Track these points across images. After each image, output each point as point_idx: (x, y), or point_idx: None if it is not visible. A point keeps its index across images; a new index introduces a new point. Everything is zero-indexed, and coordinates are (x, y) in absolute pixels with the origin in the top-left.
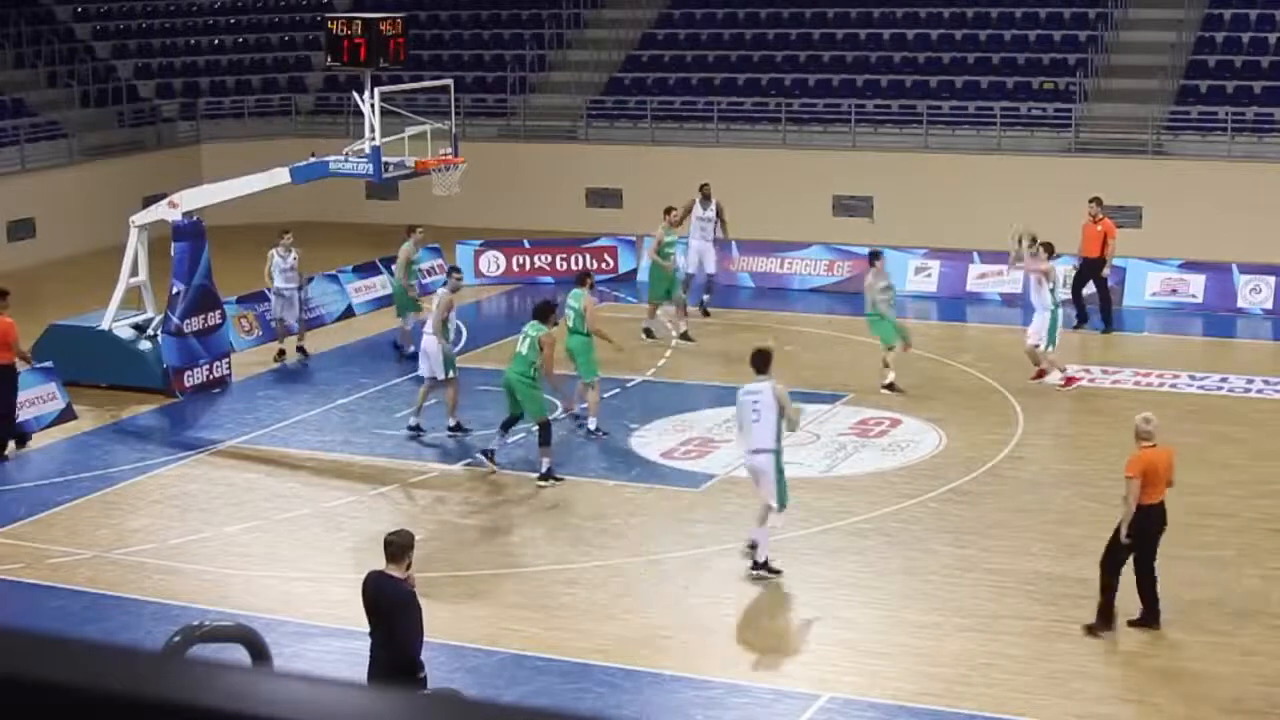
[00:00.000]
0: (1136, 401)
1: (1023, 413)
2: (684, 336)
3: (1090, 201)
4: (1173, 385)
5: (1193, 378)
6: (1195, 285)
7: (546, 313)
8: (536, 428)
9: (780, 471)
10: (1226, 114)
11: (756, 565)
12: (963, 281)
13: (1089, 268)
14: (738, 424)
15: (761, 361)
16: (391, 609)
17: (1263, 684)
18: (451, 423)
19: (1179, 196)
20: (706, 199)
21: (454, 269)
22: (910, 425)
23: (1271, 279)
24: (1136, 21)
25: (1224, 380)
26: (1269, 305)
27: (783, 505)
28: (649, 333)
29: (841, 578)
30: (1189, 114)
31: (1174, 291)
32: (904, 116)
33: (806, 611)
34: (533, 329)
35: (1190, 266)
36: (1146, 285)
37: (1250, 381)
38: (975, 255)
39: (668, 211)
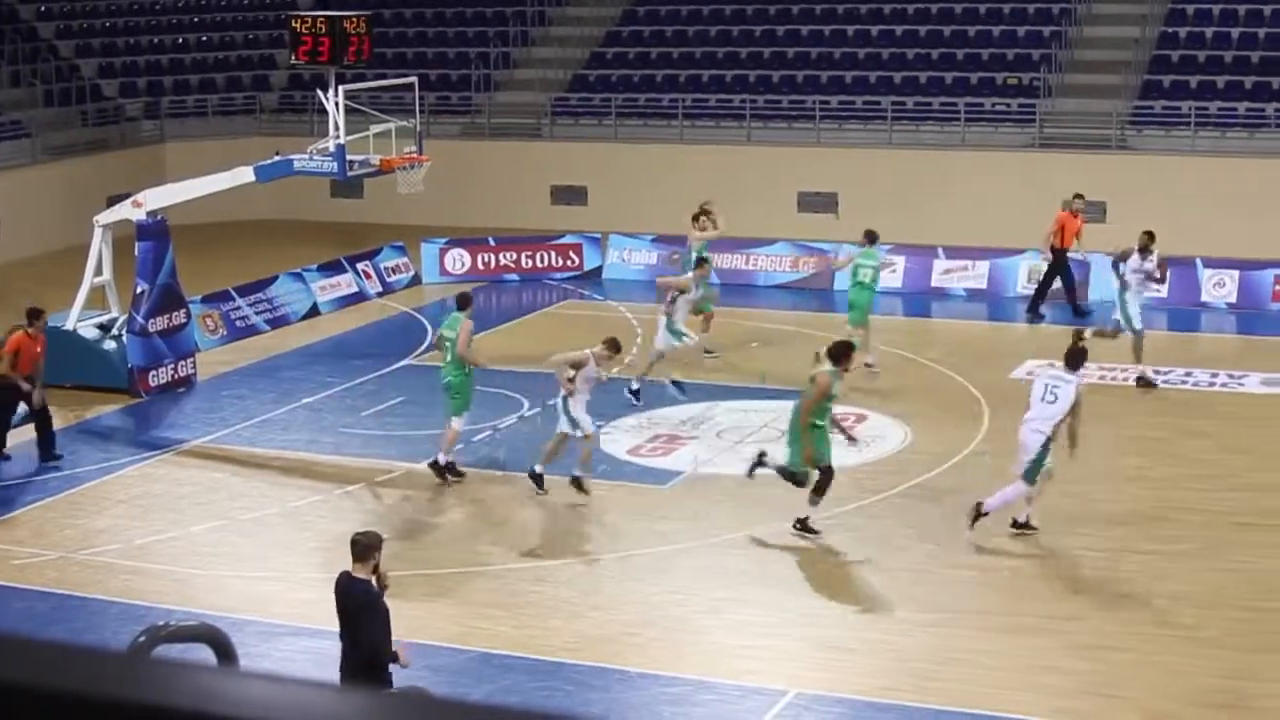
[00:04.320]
0: (1100, 396)
1: (988, 408)
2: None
3: (1076, 197)
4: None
5: (1157, 372)
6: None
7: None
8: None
9: (1043, 453)
10: (1190, 109)
11: (1015, 524)
12: (928, 277)
13: (1060, 258)
14: (1032, 392)
15: (1075, 359)
16: (357, 609)
17: (1229, 677)
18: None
19: (1143, 191)
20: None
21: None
22: (876, 421)
23: (1235, 273)
24: (1100, 17)
25: (1188, 374)
26: (1232, 299)
27: (1030, 481)
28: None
29: (809, 573)
30: (1153, 109)
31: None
32: (868, 112)
33: (774, 608)
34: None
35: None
36: (1111, 279)
37: (1214, 375)
38: (940, 250)
39: (696, 218)
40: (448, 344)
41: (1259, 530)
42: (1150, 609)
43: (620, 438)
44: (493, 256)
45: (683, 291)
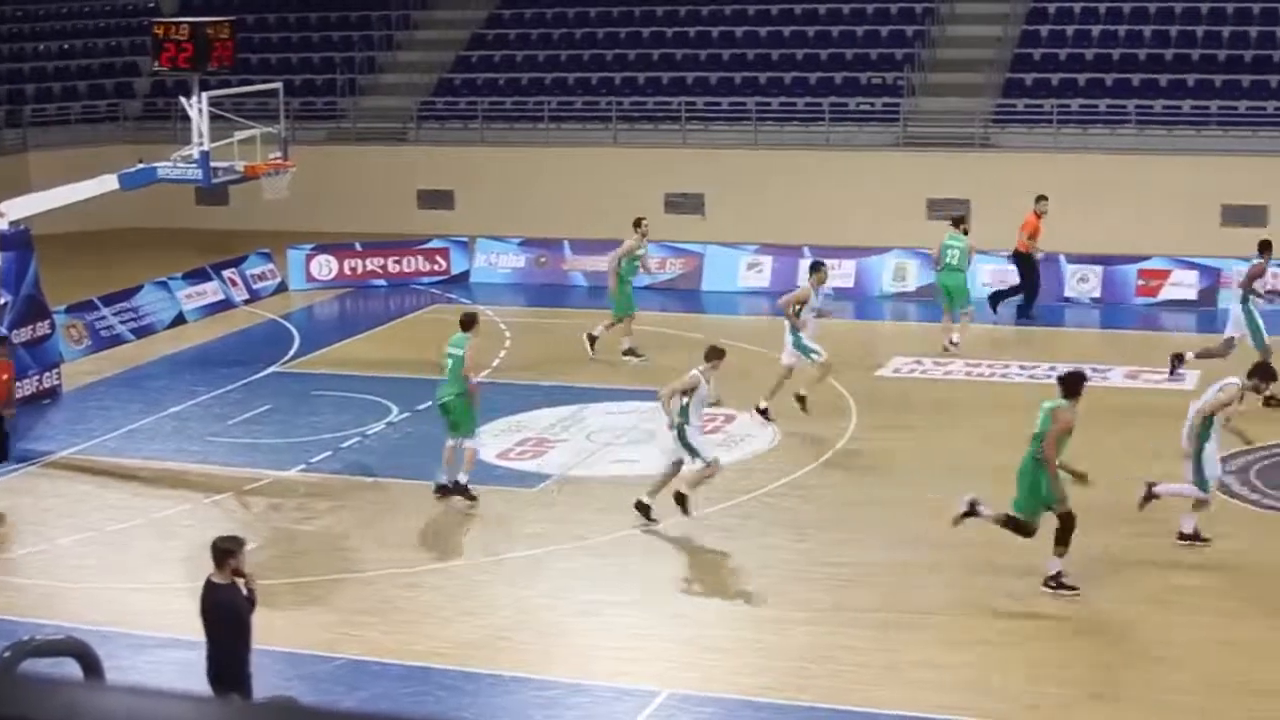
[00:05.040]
0: (966, 392)
1: (856, 405)
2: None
3: (1040, 199)
4: (1003, 375)
5: (1023, 367)
6: (1016, 277)
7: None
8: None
9: (1198, 457)
10: (1053, 106)
11: (1182, 536)
12: (795, 276)
13: (1026, 260)
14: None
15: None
16: (216, 616)
17: (1098, 664)
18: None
19: (1006, 189)
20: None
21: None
22: (744, 421)
23: (1099, 268)
24: (962, 16)
25: (1053, 369)
26: (1096, 294)
27: (1202, 488)
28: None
29: (680, 573)
30: (1015, 107)
31: (1003, 283)
32: (734, 113)
33: (646, 608)
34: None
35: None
36: (977, 277)
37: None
38: (806, 250)
39: (638, 224)
40: (449, 362)
41: (1130, 522)
42: (1022, 603)
43: (489, 442)
44: (359, 262)
45: (803, 303)
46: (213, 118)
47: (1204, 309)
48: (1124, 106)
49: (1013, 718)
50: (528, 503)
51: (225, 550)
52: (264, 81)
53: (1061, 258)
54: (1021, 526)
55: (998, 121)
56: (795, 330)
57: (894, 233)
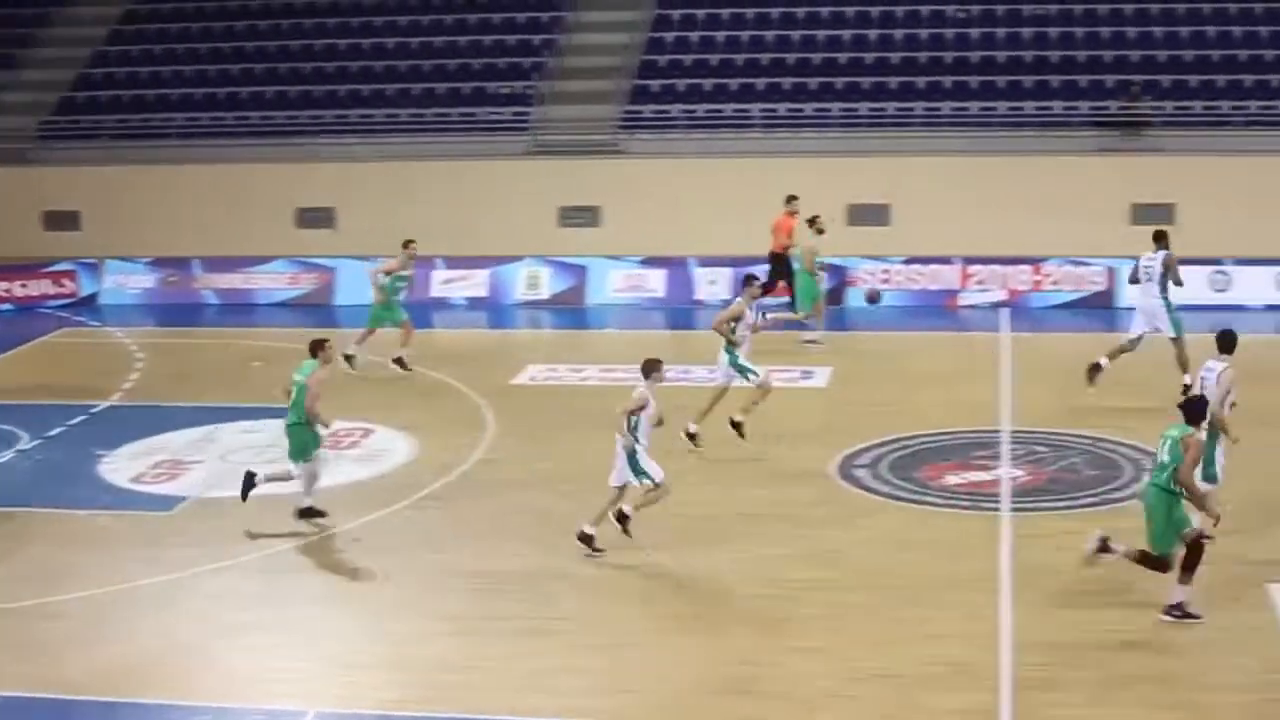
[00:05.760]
0: (603, 398)
1: (492, 415)
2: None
3: (791, 199)
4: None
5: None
6: (655, 280)
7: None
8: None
9: (1211, 450)
10: (680, 112)
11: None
12: (427, 287)
13: (780, 261)
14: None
15: (1226, 341)
16: None
17: (733, 662)
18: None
19: (635, 194)
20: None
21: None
22: (382, 434)
23: (728, 270)
24: (589, 24)
25: (686, 371)
26: (727, 296)
27: (1211, 480)
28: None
29: (323, 591)
30: (643, 113)
31: (635, 287)
32: (364, 125)
33: (291, 628)
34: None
35: (650, 262)
36: (609, 283)
37: (711, 371)
38: (439, 261)
39: (407, 244)
40: (294, 389)
41: (768, 520)
42: (657, 602)
43: (121, 465)
44: None
45: (738, 320)
46: None
47: (832, 306)
48: (749, 111)
49: (652, 719)
50: (166, 526)
51: None
52: None
53: (690, 261)
54: (1158, 562)
55: (625, 128)
56: (731, 349)
57: (526, 241)
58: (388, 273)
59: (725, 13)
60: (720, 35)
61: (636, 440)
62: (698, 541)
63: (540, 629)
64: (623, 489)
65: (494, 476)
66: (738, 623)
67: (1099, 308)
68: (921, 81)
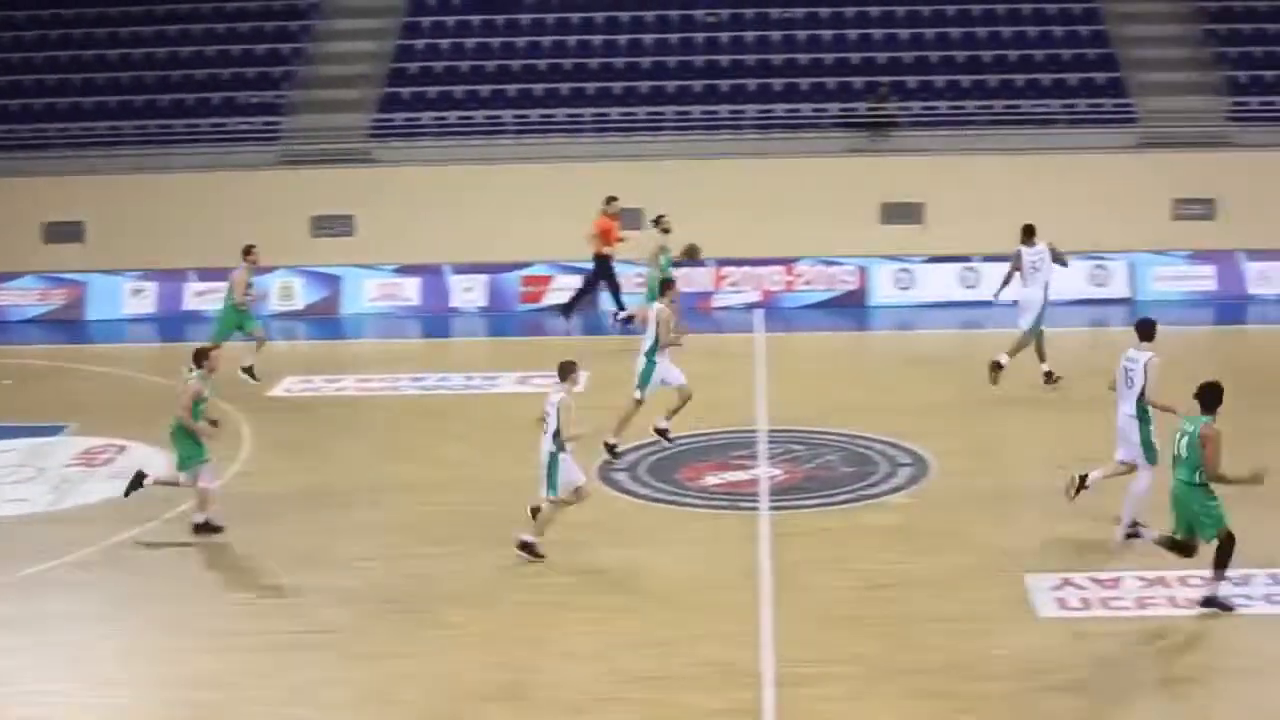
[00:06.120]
0: (361, 408)
1: (248, 428)
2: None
3: (610, 200)
4: (394, 388)
5: (414, 379)
6: (410, 289)
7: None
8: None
9: (1147, 434)
10: (431, 119)
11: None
12: (180, 300)
13: (603, 262)
14: (1117, 383)
15: (1147, 330)
16: None
17: (505, 670)
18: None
19: (390, 203)
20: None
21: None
22: (137, 451)
23: (483, 277)
24: (339, 32)
25: (443, 379)
26: (483, 303)
27: (1151, 461)
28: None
29: (79, 610)
30: (394, 121)
31: (390, 296)
32: (110, 139)
33: (46, 648)
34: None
35: (405, 271)
36: (364, 292)
37: (469, 378)
38: (192, 274)
39: (247, 252)
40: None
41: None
42: (423, 613)
43: None
44: None
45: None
46: None
47: (587, 311)
48: (501, 117)
49: None
50: None
51: None
52: None
53: (445, 268)
54: (1185, 548)
55: (377, 136)
56: (651, 357)
57: (279, 252)
58: (238, 286)
59: (476, 19)
60: (471, 42)
61: (562, 447)
62: (462, 548)
63: (303, 642)
64: (577, 492)
65: (251, 490)
66: (503, 630)
67: (851, 306)
68: (672, 86)
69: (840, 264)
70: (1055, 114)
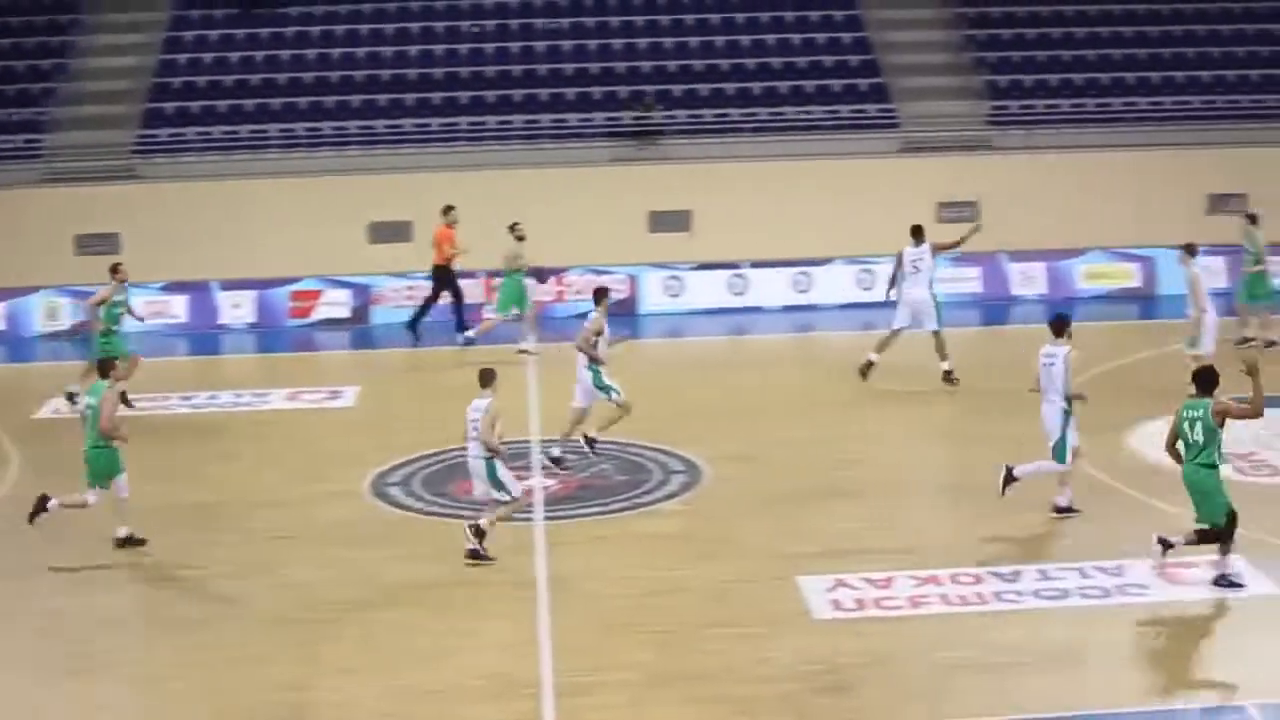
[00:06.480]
0: (132, 428)
1: (15, 451)
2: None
3: (448, 209)
4: (165, 407)
5: (184, 398)
6: (178, 306)
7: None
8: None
9: (1064, 428)
10: (195, 134)
11: (1059, 509)
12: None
13: (444, 273)
14: (1040, 376)
15: (1060, 325)
16: None
17: (279, 689)
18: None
19: (155, 220)
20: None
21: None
22: None
23: (252, 293)
24: (101, 48)
25: (214, 396)
26: (252, 319)
27: (1060, 459)
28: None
29: None
30: (158, 136)
31: (157, 314)
32: None
33: None
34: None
35: (172, 288)
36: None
37: (239, 395)
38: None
39: (115, 269)
40: (90, 413)
41: (302, 544)
42: (200, 634)
43: None
44: None
45: (600, 334)
46: None
47: (358, 326)
48: (266, 131)
49: None
50: None
51: None
52: None
53: (214, 284)
54: (1213, 535)
55: (140, 152)
56: (595, 366)
57: (43, 272)
58: (100, 303)
59: (239, 33)
60: (234, 56)
61: (495, 452)
62: (230, 570)
63: (76, 667)
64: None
65: (20, 513)
66: (281, 650)
67: (621, 314)
68: (438, 97)
69: (610, 273)
70: (819, 120)
